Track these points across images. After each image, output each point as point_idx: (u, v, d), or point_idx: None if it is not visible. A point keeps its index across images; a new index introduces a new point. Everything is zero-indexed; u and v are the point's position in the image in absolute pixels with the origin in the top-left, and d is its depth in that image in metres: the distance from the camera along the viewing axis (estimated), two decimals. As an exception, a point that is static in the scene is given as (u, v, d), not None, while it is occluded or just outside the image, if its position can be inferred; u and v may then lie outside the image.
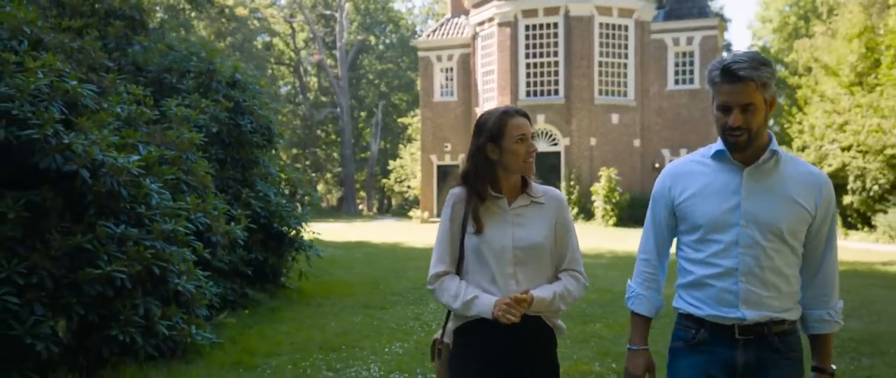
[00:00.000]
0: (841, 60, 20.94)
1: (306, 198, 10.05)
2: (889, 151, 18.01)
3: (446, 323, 2.71)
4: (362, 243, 18.52)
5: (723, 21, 42.00)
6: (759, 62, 2.24)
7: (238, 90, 8.71)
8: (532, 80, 25.77)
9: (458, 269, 2.64)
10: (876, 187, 18.59)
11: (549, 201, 2.64)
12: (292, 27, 52.61)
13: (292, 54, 54.23)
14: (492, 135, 2.55)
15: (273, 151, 9.61)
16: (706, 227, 2.35)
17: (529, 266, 2.56)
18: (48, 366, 5.04)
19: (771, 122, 23.12)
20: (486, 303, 2.47)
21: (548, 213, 2.62)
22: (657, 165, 25.64)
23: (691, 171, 2.45)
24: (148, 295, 5.67)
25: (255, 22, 51.80)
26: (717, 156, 2.39)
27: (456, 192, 2.65)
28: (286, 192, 9.67)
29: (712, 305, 2.34)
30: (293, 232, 9.22)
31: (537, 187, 2.65)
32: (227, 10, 36.41)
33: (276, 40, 54.51)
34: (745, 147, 2.29)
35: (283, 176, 9.68)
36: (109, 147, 5.50)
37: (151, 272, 5.56)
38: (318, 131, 53.26)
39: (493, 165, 2.57)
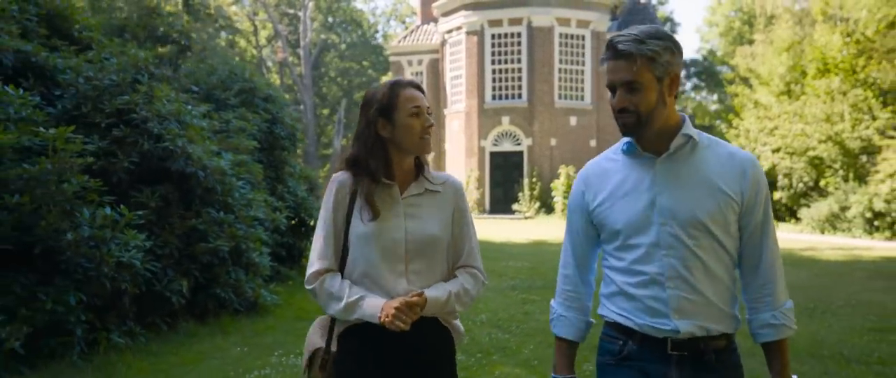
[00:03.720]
0: (772, 71, 23.50)
1: (322, 193, 11.92)
2: (811, 153, 20.50)
3: (332, 329, 2.33)
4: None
5: (672, 30, 44.59)
6: (647, 35, 1.98)
7: (271, 103, 10.58)
8: (497, 84, 27.87)
9: (342, 266, 2.30)
10: (801, 185, 21.07)
11: (447, 189, 2.36)
12: (255, 25, 53.51)
13: (254, 52, 55.11)
14: (382, 108, 2.24)
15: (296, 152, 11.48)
16: (624, 232, 2.08)
17: (423, 262, 2.27)
18: (175, 314, 6.89)
19: (717, 121, 25.37)
20: (373, 305, 2.16)
21: (444, 203, 2.34)
22: (611, 164, 27.94)
23: (603, 170, 2.18)
24: (234, 265, 7.57)
25: (220, 20, 52.73)
26: (628, 149, 2.12)
27: (339, 177, 2.31)
28: (304, 187, 11.53)
29: (642, 315, 2.05)
30: (313, 221, 11.11)
31: (435, 174, 2.37)
32: (220, 20, 37.57)
33: (237, 38, 55.31)
34: (635, 131, 2.02)
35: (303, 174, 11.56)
36: (209, 153, 7.36)
37: (238, 248, 7.46)
38: (282, 128, 54.29)
39: (384, 144, 2.27)
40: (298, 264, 11.03)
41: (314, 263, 2.28)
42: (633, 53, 1.97)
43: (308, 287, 2.28)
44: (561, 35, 27.60)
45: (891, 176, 17.77)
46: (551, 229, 20.40)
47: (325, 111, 55.64)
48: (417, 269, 2.26)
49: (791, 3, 29.09)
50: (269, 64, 56.36)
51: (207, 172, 7.12)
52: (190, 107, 7.40)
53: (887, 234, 17.65)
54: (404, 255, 2.25)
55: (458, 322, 2.38)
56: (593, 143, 28.03)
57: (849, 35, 21.88)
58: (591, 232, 2.23)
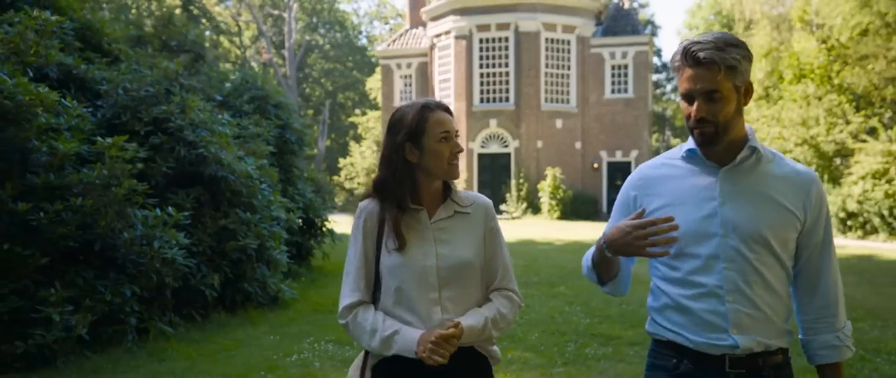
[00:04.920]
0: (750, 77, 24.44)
1: (328, 195, 12.55)
2: (788, 156, 21.41)
3: (365, 360, 2.28)
4: (344, 234, 20.94)
5: (653, 33, 45.49)
6: (725, 43, 1.92)
7: (281, 109, 11.18)
8: (485, 88, 28.59)
9: (375, 295, 2.25)
10: (778, 186, 22.00)
11: (476, 210, 2.28)
12: (238, 25, 53.65)
13: (238, 52, 55.23)
14: (411, 133, 2.19)
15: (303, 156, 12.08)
16: (682, 241, 2.00)
17: (457, 289, 2.20)
18: (207, 306, 7.48)
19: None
20: (408, 339, 2.10)
21: (475, 225, 2.26)
22: (595, 166, 28.79)
23: (660, 175, 2.12)
24: (258, 261, 8.17)
25: (205, 22, 52.79)
26: (689, 156, 2.08)
27: (366, 205, 2.26)
28: (311, 189, 12.13)
29: (697, 332, 1.99)
30: (320, 221, 11.72)
31: (463, 195, 2.31)
32: (205, 21, 37.87)
33: (221, 38, 55.26)
34: (713, 142, 1.98)
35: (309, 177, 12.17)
36: (236, 159, 7.96)
37: (263, 245, 8.07)
38: (267, 129, 54.46)
39: (412, 169, 2.21)
40: (306, 262, 11.66)
41: (346, 297, 2.22)
42: (715, 61, 1.90)
43: (341, 322, 2.22)
44: (547, 40, 28.35)
45: (863, 178, 18.66)
46: (539, 229, 21.15)
47: (310, 112, 55.98)
48: (451, 296, 2.18)
49: (769, 9, 30.01)
50: (253, 64, 56.54)
51: (235, 176, 7.72)
52: (220, 116, 7.99)
53: (859, 233, 18.53)
54: (437, 283, 2.17)
55: (495, 348, 2.30)
56: (578, 145, 28.81)
57: (824, 41, 22.78)
58: None
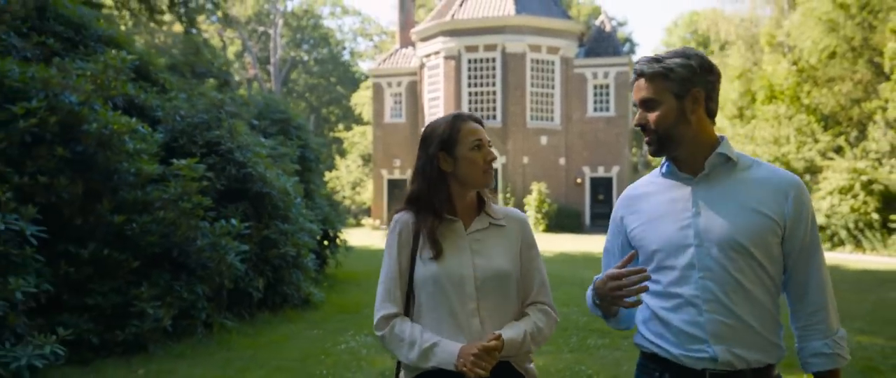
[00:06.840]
0: (725, 97, 25.83)
1: (341, 209, 13.61)
2: (762, 172, 22.82)
3: (398, 373, 2.27)
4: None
5: (631, 51, 47.02)
6: (667, 54, 2.00)
7: (301, 130, 12.26)
8: (473, 106, 29.83)
9: (407, 307, 2.23)
10: (752, 201, 23.36)
11: (511, 223, 2.29)
12: (223, 41, 54.17)
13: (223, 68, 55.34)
14: (443, 142, 2.21)
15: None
16: (660, 253, 2.02)
17: (494, 300, 2.18)
18: (252, 306, 8.50)
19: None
20: (448, 351, 2.07)
21: (511, 237, 2.27)
22: (579, 181, 30.08)
23: (640, 194, 2.15)
24: (294, 267, 9.22)
25: (197, 38, 53.08)
26: (667, 171, 2.08)
27: (401, 216, 2.27)
28: (327, 204, 13.18)
29: (676, 344, 1.98)
30: (333, 232, 12.77)
31: (497, 208, 2.31)
32: (201, 36, 38.58)
33: (206, 53, 55.10)
34: (660, 150, 2.02)
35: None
36: (276, 176, 9.02)
37: (299, 252, 9.12)
38: (252, 143, 54.99)
39: (446, 179, 2.23)
40: (322, 270, 12.70)
41: (381, 308, 2.21)
42: (645, 72, 2.00)
43: (378, 333, 2.20)
44: (532, 61, 29.69)
45: (830, 193, 20.02)
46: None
47: (295, 127, 56.45)
48: (489, 307, 2.17)
49: (744, 31, 31.49)
50: (237, 79, 57.02)
51: (276, 192, 8.78)
52: (262, 138, 9.06)
53: (827, 245, 19.85)
54: (475, 293, 2.16)
55: (531, 365, 2.28)
56: (562, 161, 30.10)
57: (795, 63, 24.22)
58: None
